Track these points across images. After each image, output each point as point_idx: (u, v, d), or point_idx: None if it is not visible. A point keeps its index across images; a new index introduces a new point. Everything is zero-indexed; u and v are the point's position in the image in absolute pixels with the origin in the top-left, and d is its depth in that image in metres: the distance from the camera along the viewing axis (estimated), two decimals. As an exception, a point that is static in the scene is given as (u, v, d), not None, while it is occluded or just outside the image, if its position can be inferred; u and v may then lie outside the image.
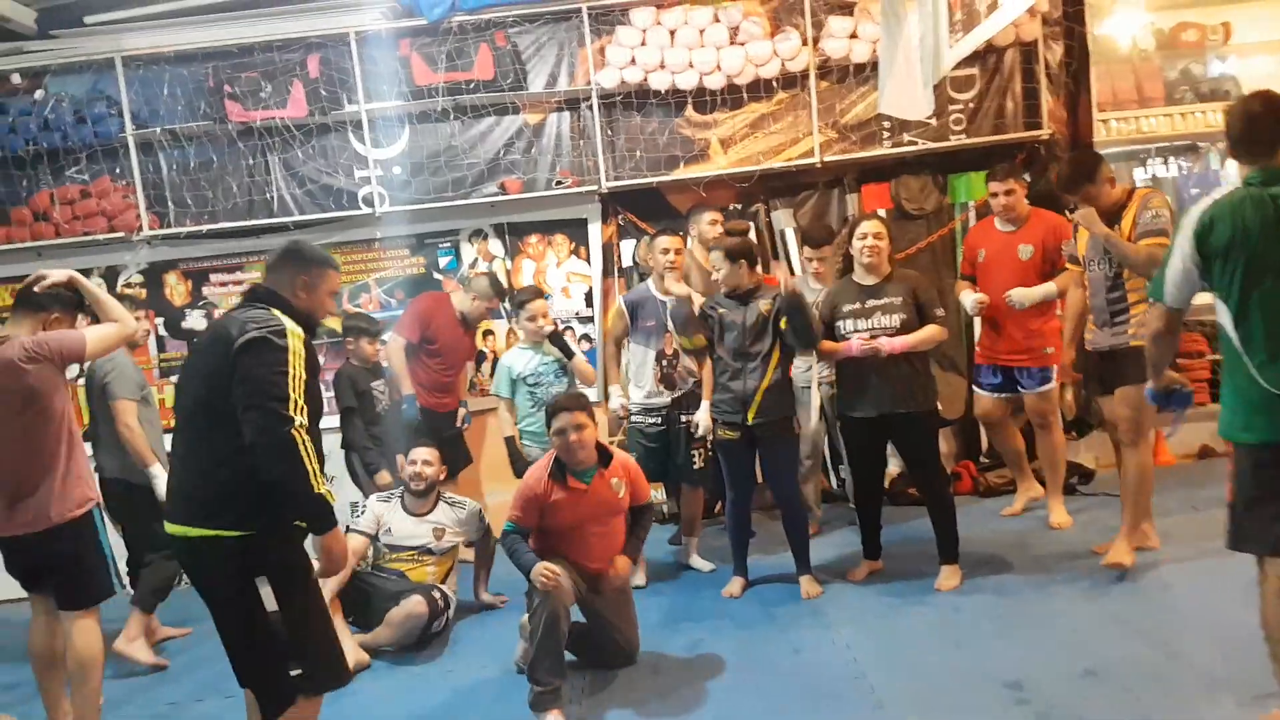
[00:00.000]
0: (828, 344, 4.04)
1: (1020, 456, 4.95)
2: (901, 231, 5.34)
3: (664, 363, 4.45)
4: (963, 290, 4.71)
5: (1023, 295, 4.43)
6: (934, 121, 5.44)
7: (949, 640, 3.49)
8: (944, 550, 4.05)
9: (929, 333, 3.95)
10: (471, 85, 5.24)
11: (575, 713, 3.26)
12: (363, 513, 4.23)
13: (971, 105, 5.48)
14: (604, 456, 3.43)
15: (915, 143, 5.47)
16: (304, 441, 2.35)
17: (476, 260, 5.59)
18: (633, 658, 3.55)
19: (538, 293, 4.66)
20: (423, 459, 4.14)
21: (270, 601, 2.45)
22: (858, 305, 4.03)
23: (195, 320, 5.46)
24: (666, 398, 4.45)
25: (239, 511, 2.42)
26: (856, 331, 3.99)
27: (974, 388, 4.95)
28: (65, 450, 3.16)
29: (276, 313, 2.49)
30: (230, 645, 2.51)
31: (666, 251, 4.45)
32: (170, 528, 2.48)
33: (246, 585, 2.44)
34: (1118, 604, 3.61)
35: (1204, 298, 2.72)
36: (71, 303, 3.32)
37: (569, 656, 3.49)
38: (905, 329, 3.95)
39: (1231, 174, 5.72)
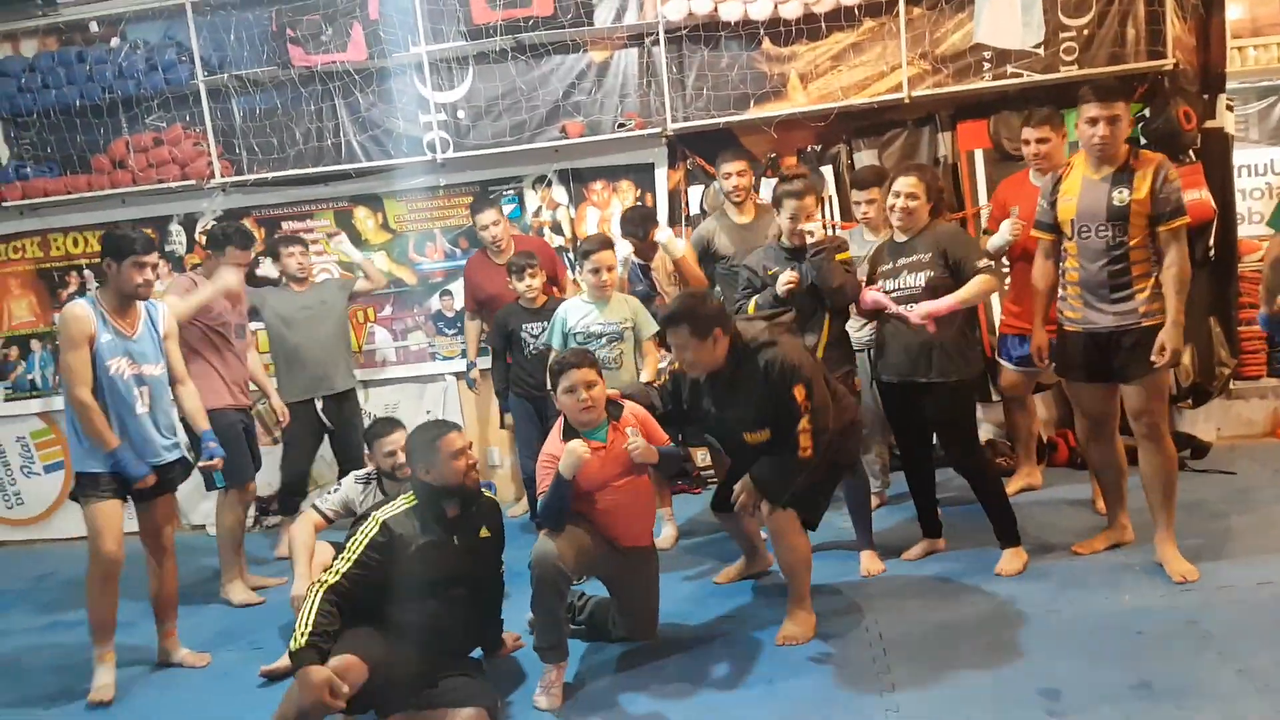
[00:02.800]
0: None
1: (1032, 439, 4.60)
2: (1003, 175, 4.79)
3: None
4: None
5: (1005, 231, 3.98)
6: (1042, 51, 4.86)
7: (991, 638, 3.15)
8: (1000, 533, 3.69)
9: (976, 287, 3.53)
10: (532, 22, 5.00)
11: (582, 684, 3.14)
12: (334, 493, 3.71)
13: (1086, 32, 4.85)
14: (613, 409, 3.22)
15: (1020, 75, 4.91)
16: None
17: (540, 207, 5.41)
18: (650, 634, 3.37)
19: (605, 242, 4.28)
20: (400, 445, 3.52)
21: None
22: (890, 265, 3.70)
23: (267, 268, 5.51)
24: None
25: None
26: (886, 293, 3.67)
27: (998, 360, 4.49)
28: None
29: None
30: None
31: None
32: None
33: None
34: (1196, 609, 3.16)
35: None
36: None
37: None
38: (933, 288, 3.56)
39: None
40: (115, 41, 5.33)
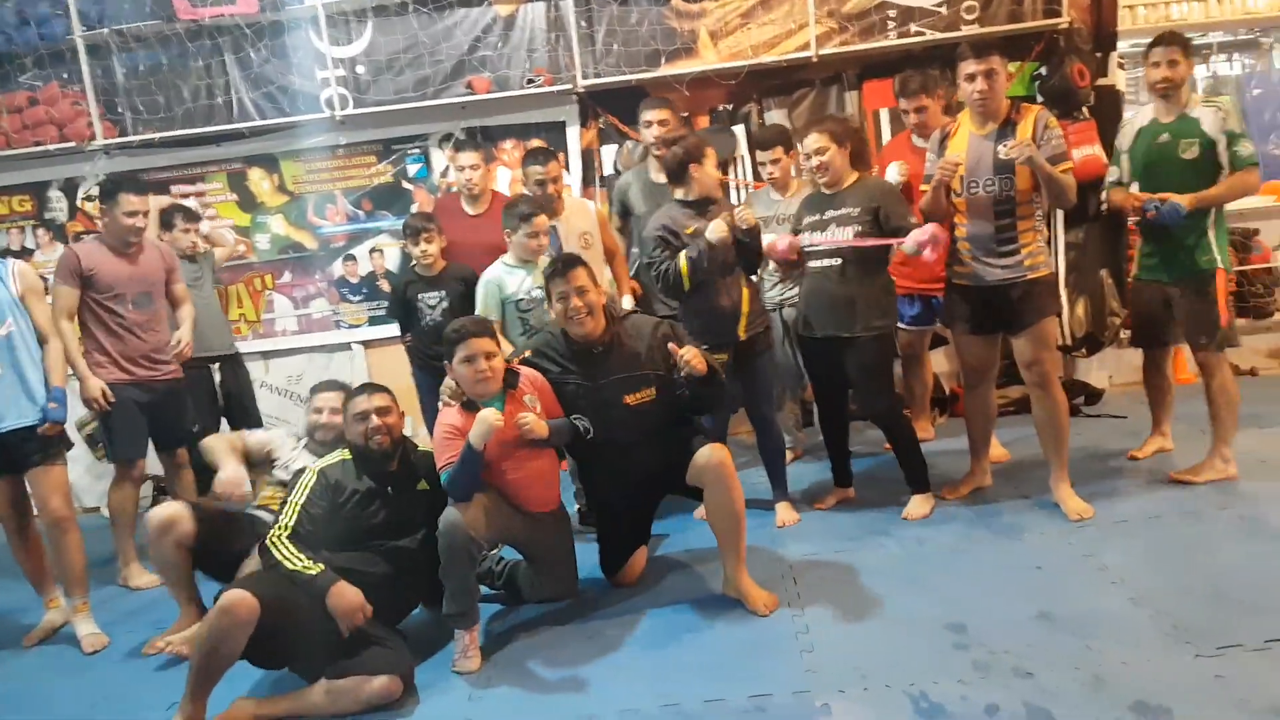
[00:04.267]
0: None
1: (926, 393, 4.77)
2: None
3: None
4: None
5: (897, 171, 4.05)
6: (944, 10, 4.95)
7: (900, 577, 3.23)
8: (911, 479, 3.78)
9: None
10: (435, -27, 4.86)
11: (501, 646, 3.11)
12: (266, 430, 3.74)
13: (985, -10, 4.96)
14: (510, 378, 3.14)
15: (923, 33, 4.99)
16: None
17: (448, 167, 5.29)
18: (571, 593, 3.36)
19: (543, 206, 3.97)
20: (330, 406, 3.44)
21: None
22: (816, 217, 3.69)
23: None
24: None
25: None
26: (812, 245, 3.66)
27: None
28: None
29: None
30: None
31: (541, 182, 4.03)
32: None
33: None
34: (1089, 545, 3.30)
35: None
36: None
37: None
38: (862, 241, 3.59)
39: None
40: (-20, -6, 4.99)
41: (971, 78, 3.45)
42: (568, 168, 5.23)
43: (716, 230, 3.60)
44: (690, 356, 3.09)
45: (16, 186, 5.22)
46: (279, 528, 2.92)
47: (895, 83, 4.67)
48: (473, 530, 2.95)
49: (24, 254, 5.27)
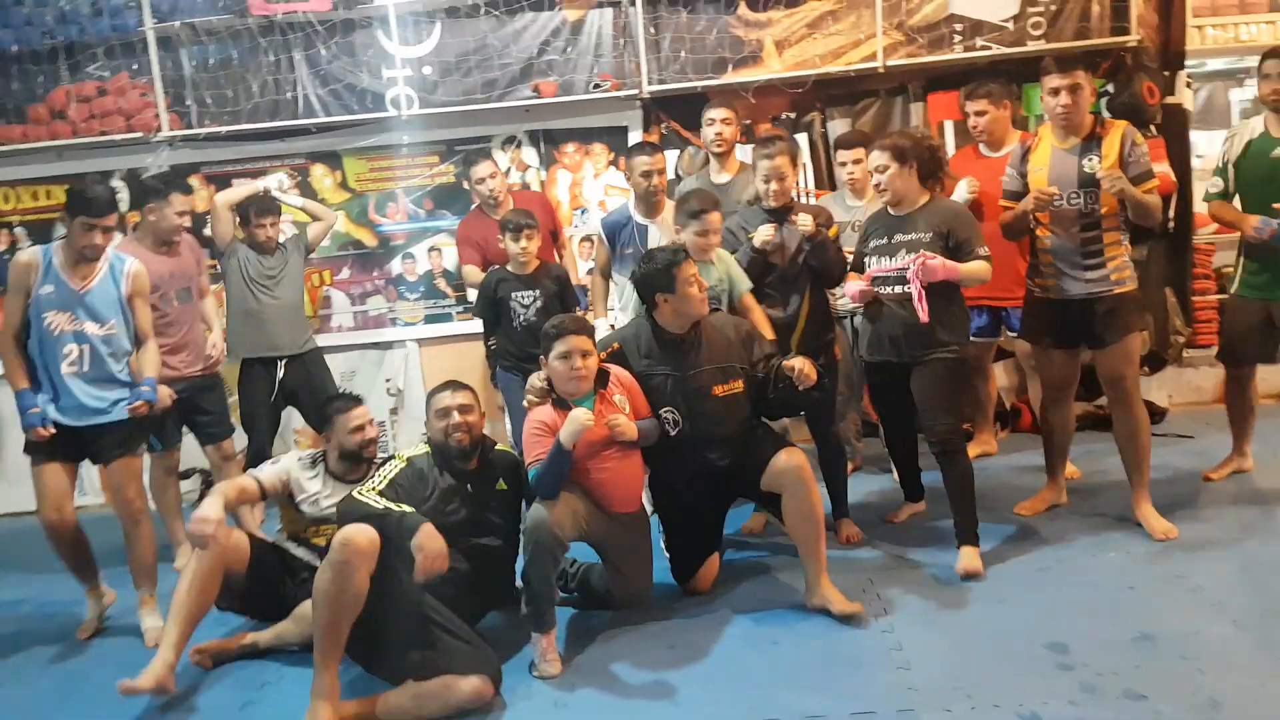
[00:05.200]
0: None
1: (990, 406, 4.72)
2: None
3: None
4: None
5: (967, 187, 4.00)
6: (1011, 25, 4.93)
7: (986, 593, 3.20)
8: (961, 525, 3.45)
9: (973, 268, 3.41)
10: (506, -23, 4.86)
11: (580, 650, 3.08)
12: (274, 464, 3.39)
13: (1053, 7, 4.95)
14: (601, 377, 3.13)
15: (989, 47, 4.97)
16: None
17: (510, 169, 5.28)
18: (644, 598, 3.32)
19: (716, 202, 3.75)
20: (369, 420, 3.36)
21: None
22: (884, 240, 3.53)
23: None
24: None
25: None
26: (883, 271, 3.52)
27: None
28: None
29: None
30: None
31: (648, 174, 3.98)
32: None
33: None
34: (1180, 566, 3.26)
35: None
36: None
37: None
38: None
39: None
40: (56, -16, 4.99)
41: (1055, 92, 3.42)
42: (629, 173, 5.21)
43: (760, 237, 3.62)
44: (803, 367, 3.10)
45: (80, 175, 5.19)
46: (366, 488, 2.92)
47: (962, 91, 4.65)
48: (558, 529, 2.93)
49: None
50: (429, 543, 2.73)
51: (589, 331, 3.13)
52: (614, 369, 3.22)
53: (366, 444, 3.32)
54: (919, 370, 3.52)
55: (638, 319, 3.44)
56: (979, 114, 4.24)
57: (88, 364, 3.38)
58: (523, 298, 4.04)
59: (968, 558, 3.37)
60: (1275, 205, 3.56)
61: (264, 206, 4.48)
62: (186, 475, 5.24)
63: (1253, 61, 4.98)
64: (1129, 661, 2.68)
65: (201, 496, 4.85)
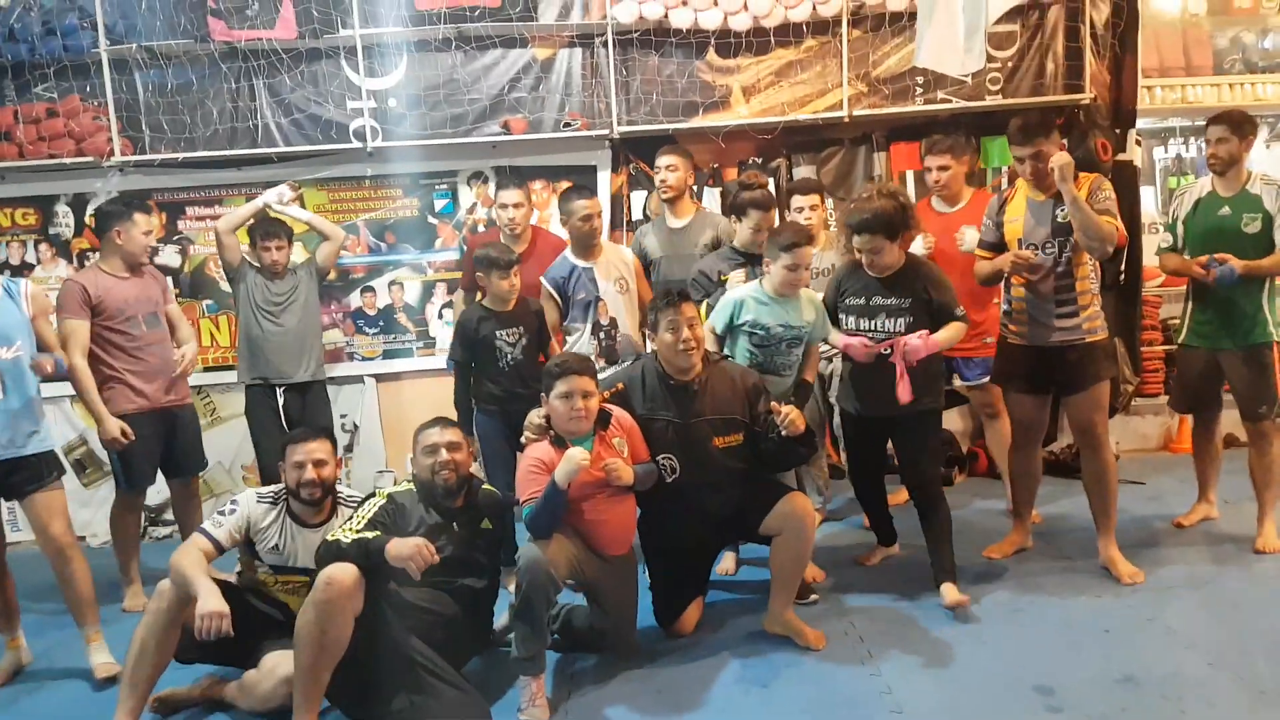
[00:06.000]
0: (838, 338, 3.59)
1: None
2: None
3: (601, 335, 3.99)
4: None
5: (975, 240, 3.91)
6: (969, 80, 5.07)
7: (966, 635, 3.22)
8: (940, 565, 3.52)
9: (951, 333, 3.48)
10: (477, 12, 4.84)
11: (567, 695, 2.99)
12: (230, 512, 3.05)
13: (1010, 64, 5.13)
14: (601, 418, 3.10)
15: (949, 100, 5.12)
16: None
17: (475, 205, 5.23)
18: (630, 641, 3.25)
19: (810, 237, 3.64)
20: (313, 459, 3.02)
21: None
22: (862, 301, 3.54)
23: (169, 256, 5.10)
24: (609, 372, 3.86)
25: None
26: (859, 332, 3.53)
27: None
28: None
29: None
30: None
31: (587, 217, 3.96)
32: None
33: None
34: (1150, 609, 3.33)
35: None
36: None
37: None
38: (911, 333, 3.44)
39: (1258, 157, 5.42)
40: (4, 1, 4.79)
41: (1021, 160, 3.55)
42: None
43: (735, 280, 3.70)
44: (793, 416, 3.10)
45: (23, 199, 5.00)
46: (346, 528, 2.81)
47: (922, 144, 4.80)
48: (554, 569, 2.86)
49: (25, 269, 5.03)
50: (400, 549, 2.66)
51: (592, 372, 3.10)
52: (616, 411, 3.18)
53: (304, 484, 3.01)
54: (903, 424, 3.57)
55: (645, 359, 3.41)
56: (941, 169, 4.33)
57: (3, 393, 3.22)
58: (507, 335, 3.83)
59: (952, 592, 3.43)
60: (1217, 257, 3.70)
61: (269, 229, 4.36)
62: (155, 517, 5.05)
63: (1186, 121, 5.33)
64: (1115, 703, 2.71)
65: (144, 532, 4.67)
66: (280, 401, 4.47)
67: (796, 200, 4.34)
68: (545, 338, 3.98)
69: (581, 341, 4.01)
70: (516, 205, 4.31)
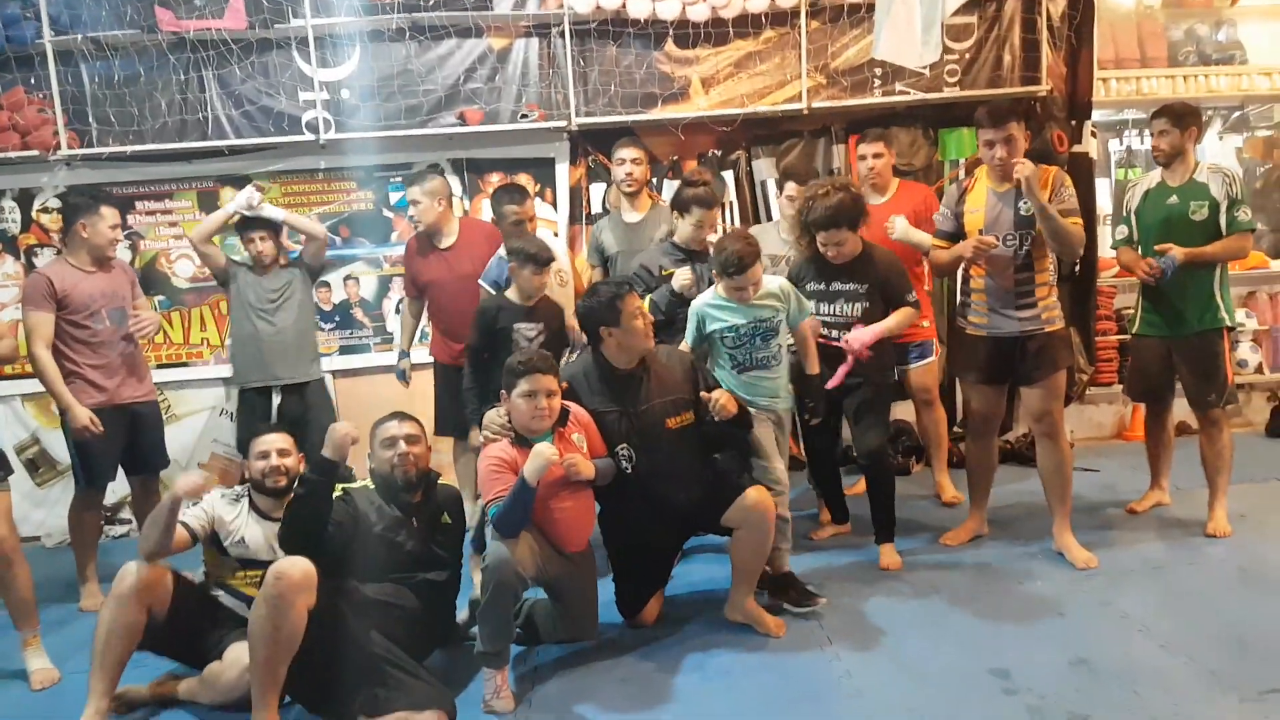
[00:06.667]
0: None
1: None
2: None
3: None
4: None
5: (905, 229, 4.01)
6: (927, 72, 5.09)
7: (923, 620, 3.24)
8: (880, 527, 3.78)
9: (900, 318, 3.64)
10: (431, 1, 4.78)
11: (531, 686, 2.98)
12: (196, 504, 3.07)
13: (968, 56, 5.15)
14: (560, 414, 3.07)
15: (907, 93, 5.13)
16: None
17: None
18: (592, 633, 3.24)
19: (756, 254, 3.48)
20: (276, 448, 3.12)
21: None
22: (821, 286, 3.68)
23: (119, 251, 4.96)
24: None
25: None
26: (818, 316, 3.67)
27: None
28: None
29: None
30: None
31: (519, 222, 3.97)
32: None
33: None
34: (1103, 593, 3.37)
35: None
36: None
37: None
38: (867, 317, 3.63)
39: (1212, 148, 5.53)
40: (-54, -10, 4.67)
41: (990, 144, 3.56)
42: (555, 204, 5.18)
43: (679, 280, 3.69)
44: (723, 400, 3.13)
45: (-33, 194, 4.89)
46: None
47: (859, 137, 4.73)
48: (521, 568, 2.84)
49: (-31, 265, 4.91)
50: (333, 434, 2.77)
51: (555, 370, 3.07)
52: (573, 407, 3.16)
53: (268, 472, 3.07)
54: (853, 396, 3.69)
55: (584, 356, 3.39)
56: (876, 156, 4.37)
57: None
58: (527, 330, 3.77)
59: (889, 554, 3.73)
60: (1157, 248, 3.75)
61: (252, 220, 4.26)
62: (111, 515, 4.94)
63: (1141, 114, 5.39)
64: (1069, 685, 2.74)
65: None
66: (276, 402, 4.32)
67: (789, 187, 4.28)
68: (565, 338, 3.92)
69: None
70: (433, 196, 4.26)
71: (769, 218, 5.05)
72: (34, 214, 4.95)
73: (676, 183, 5.15)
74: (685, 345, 3.57)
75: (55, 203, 4.95)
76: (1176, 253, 3.69)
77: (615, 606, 3.38)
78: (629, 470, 3.17)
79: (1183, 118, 3.79)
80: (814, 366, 3.61)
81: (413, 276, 4.41)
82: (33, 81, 4.73)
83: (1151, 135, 3.87)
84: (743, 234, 3.52)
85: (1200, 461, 3.93)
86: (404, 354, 4.60)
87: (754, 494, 3.13)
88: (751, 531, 3.14)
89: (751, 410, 3.34)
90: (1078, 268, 5.13)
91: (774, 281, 3.55)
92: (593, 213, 5.16)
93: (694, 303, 3.57)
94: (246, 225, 4.27)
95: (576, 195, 5.18)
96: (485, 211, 5.12)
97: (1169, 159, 3.82)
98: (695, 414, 3.24)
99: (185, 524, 2.96)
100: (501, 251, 4.03)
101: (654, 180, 5.08)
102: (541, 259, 3.73)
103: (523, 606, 3.29)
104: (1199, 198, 3.74)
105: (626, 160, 4.33)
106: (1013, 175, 3.50)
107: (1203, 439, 3.89)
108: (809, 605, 3.32)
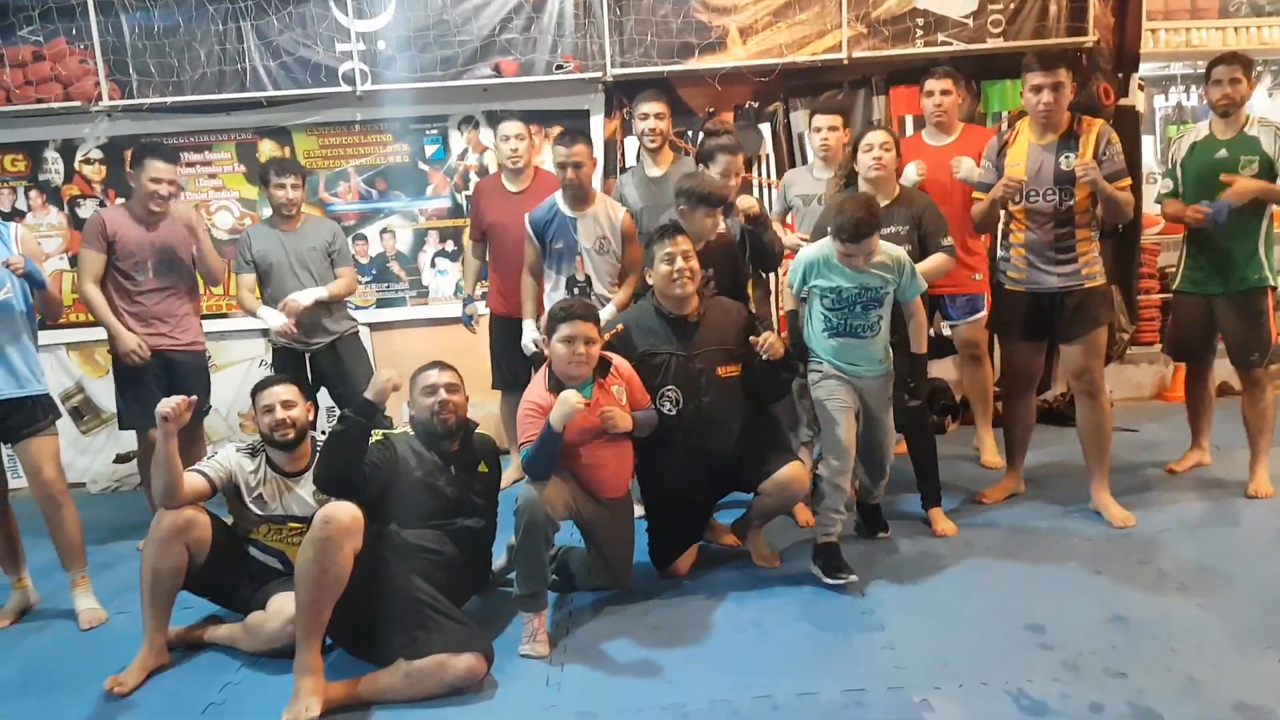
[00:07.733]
0: None
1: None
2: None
3: (575, 290, 3.85)
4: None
5: (970, 168, 3.89)
6: (971, 22, 4.99)
7: (958, 577, 3.25)
8: (928, 493, 3.73)
9: (935, 263, 3.55)
10: (466, -50, 4.75)
11: (567, 631, 3.04)
12: (213, 456, 3.06)
13: (1012, 6, 5.02)
14: (601, 366, 3.09)
15: (950, 43, 5.03)
16: None
17: (466, 151, 5.16)
18: (625, 582, 3.27)
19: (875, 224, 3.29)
20: (280, 400, 3.01)
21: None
22: None
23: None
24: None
25: None
26: None
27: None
28: None
29: None
30: None
31: (563, 165, 3.78)
32: None
33: None
34: (1141, 552, 3.35)
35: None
36: None
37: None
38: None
39: (1263, 104, 5.36)
40: (-13, -60, 4.69)
41: (1038, 89, 3.46)
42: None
43: (745, 201, 3.64)
44: (771, 340, 3.15)
45: (12, 145, 4.94)
46: None
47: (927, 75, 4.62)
48: (551, 509, 2.89)
49: (15, 215, 4.98)
50: (377, 380, 2.82)
51: (596, 318, 3.09)
52: (615, 359, 3.18)
53: (276, 426, 2.99)
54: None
55: (642, 300, 3.42)
56: (944, 93, 4.24)
57: None
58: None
59: (941, 519, 3.66)
60: (1216, 196, 3.66)
61: (283, 166, 4.25)
62: (128, 458, 5.05)
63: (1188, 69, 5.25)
64: (1105, 641, 2.73)
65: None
66: (309, 357, 4.29)
67: (817, 120, 4.19)
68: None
69: (557, 294, 3.87)
70: (519, 136, 4.27)
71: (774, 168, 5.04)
72: (76, 165, 5.00)
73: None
74: (787, 289, 3.48)
75: (97, 154, 5.01)
76: (1230, 196, 3.59)
77: (649, 555, 3.42)
78: (674, 414, 3.21)
79: (1250, 66, 3.69)
80: (922, 345, 3.42)
81: (479, 216, 4.38)
82: (74, 32, 4.76)
83: (1216, 84, 3.71)
84: (867, 201, 3.26)
85: (1241, 421, 3.87)
86: (469, 299, 4.58)
87: (793, 469, 3.20)
88: (778, 502, 3.26)
89: (837, 376, 3.29)
90: (1120, 224, 5.03)
91: (891, 250, 3.30)
92: (627, 165, 5.13)
93: (803, 250, 3.44)
94: (281, 169, 4.19)
95: (611, 148, 5.15)
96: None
97: (1234, 109, 3.70)
98: (743, 369, 3.26)
99: (203, 473, 2.96)
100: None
101: (689, 134, 5.04)
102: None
103: (558, 552, 3.34)
104: (1249, 151, 3.64)
105: (650, 115, 4.19)
106: (1058, 129, 3.45)
107: (1245, 399, 3.84)
108: (836, 578, 3.23)
